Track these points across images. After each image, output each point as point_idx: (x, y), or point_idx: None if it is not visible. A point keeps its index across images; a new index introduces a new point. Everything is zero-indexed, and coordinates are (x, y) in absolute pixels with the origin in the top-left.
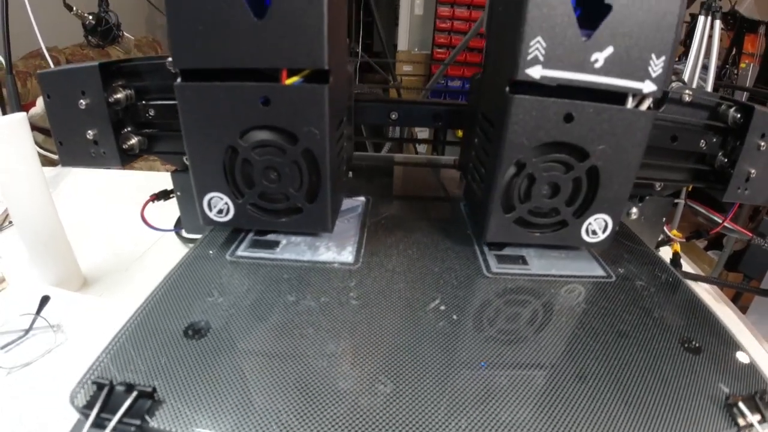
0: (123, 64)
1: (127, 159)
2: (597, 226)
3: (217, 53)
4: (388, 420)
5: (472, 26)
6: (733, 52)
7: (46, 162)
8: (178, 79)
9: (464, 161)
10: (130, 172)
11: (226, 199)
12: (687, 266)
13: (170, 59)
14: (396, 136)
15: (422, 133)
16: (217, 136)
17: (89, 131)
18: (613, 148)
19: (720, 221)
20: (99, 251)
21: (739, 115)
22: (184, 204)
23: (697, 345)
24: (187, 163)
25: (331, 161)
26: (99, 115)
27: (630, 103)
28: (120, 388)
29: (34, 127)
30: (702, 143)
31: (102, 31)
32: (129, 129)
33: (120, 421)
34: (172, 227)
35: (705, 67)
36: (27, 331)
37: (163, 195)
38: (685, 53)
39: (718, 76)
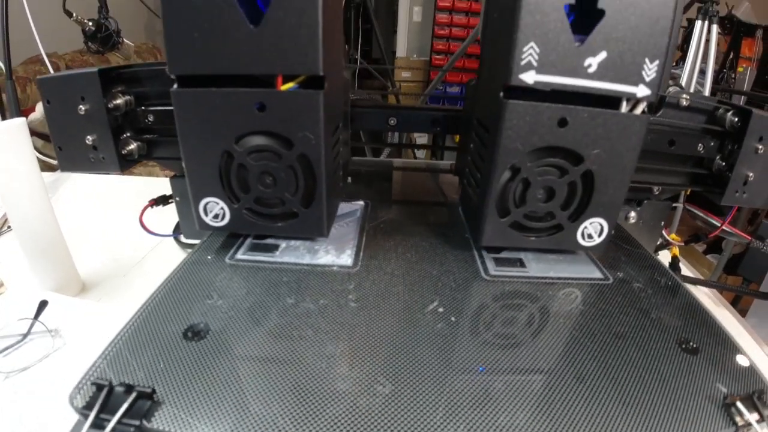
0: (123, 70)
1: (126, 164)
2: (593, 230)
3: (212, 59)
4: (387, 420)
5: (470, 33)
6: (731, 57)
7: (45, 167)
8: (175, 85)
9: (460, 166)
10: (129, 177)
11: (221, 204)
12: (686, 270)
13: None
14: (394, 141)
15: (421, 138)
16: (212, 142)
17: (88, 137)
18: (608, 153)
19: (718, 225)
20: (97, 256)
21: (736, 119)
22: (182, 209)
23: (694, 346)
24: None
25: (326, 166)
26: (98, 120)
27: (624, 108)
28: (119, 389)
29: (34, 133)
30: (700, 147)
31: (102, 37)
32: (128, 134)
33: (119, 422)
34: (170, 232)
35: (702, 72)
36: (25, 336)
37: (162, 200)
38: (683, 58)
39: (716, 81)
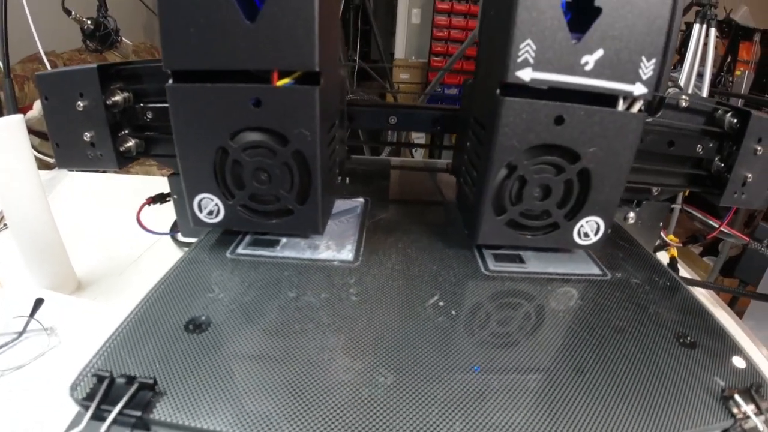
0: (121, 67)
1: (124, 161)
2: (589, 229)
3: (208, 55)
4: (389, 410)
5: (469, 35)
6: (728, 60)
7: (42, 165)
8: (170, 81)
9: (457, 165)
10: (127, 176)
11: (216, 200)
12: (683, 271)
13: None
14: (393, 140)
15: (418, 138)
16: (207, 137)
17: (86, 133)
18: (605, 151)
19: (717, 226)
20: (94, 254)
21: (735, 120)
22: (180, 207)
23: (692, 340)
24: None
25: (321, 163)
26: (96, 117)
27: (621, 106)
28: (120, 380)
29: (31, 131)
30: (699, 148)
31: (100, 36)
32: (126, 131)
33: (120, 413)
34: (167, 231)
35: (700, 75)
36: (20, 334)
37: (159, 198)
38: (681, 61)
39: (713, 84)
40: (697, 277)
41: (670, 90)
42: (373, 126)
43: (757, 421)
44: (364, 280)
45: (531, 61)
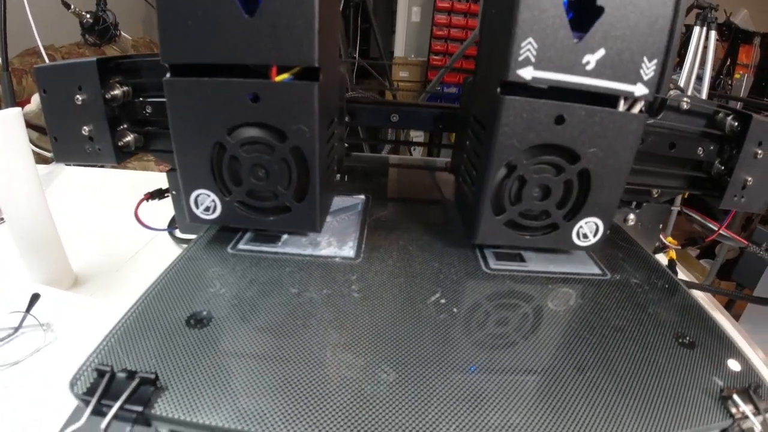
0: (121, 61)
1: (122, 156)
2: (588, 230)
3: (206, 48)
4: (392, 407)
5: (469, 34)
6: (728, 63)
7: (40, 160)
8: (168, 74)
9: (456, 164)
10: (125, 171)
11: (213, 196)
12: (680, 274)
13: None
14: (391, 138)
15: (417, 137)
16: (205, 133)
17: (85, 127)
18: (605, 151)
19: (716, 229)
20: (91, 250)
21: (736, 123)
22: (178, 203)
23: (691, 340)
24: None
25: (320, 160)
26: (95, 111)
27: (622, 106)
28: (121, 375)
29: (29, 125)
30: (699, 151)
31: (99, 30)
32: (125, 126)
33: (121, 408)
34: (165, 227)
35: (699, 78)
36: (16, 330)
37: (158, 194)
38: (680, 63)
39: (712, 87)
40: (694, 280)
41: (671, 92)
42: (374, 123)
43: (755, 421)
44: (365, 276)
45: (532, 59)
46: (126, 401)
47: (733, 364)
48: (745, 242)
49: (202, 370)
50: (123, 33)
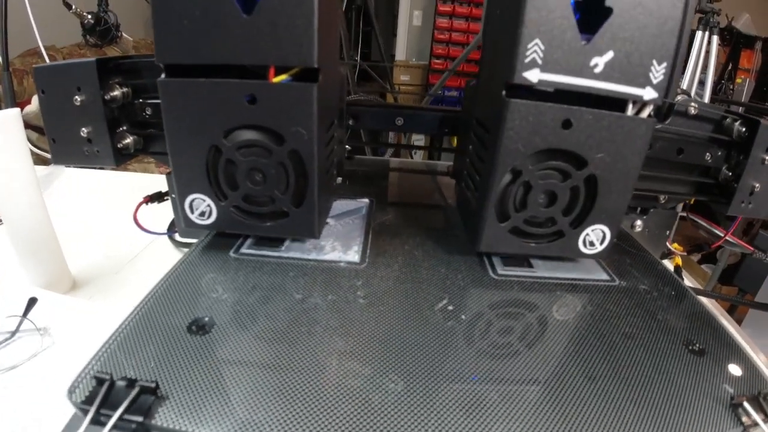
0: (121, 61)
1: (121, 159)
2: (594, 237)
3: (202, 48)
4: (400, 418)
5: (470, 38)
6: (729, 68)
7: (39, 161)
8: (162, 75)
9: (458, 168)
10: (124, 173)
11: (208, 201)
12: (685, 280)
13: None
14: (393, 142)
15: (418, 141)
16: (200, 135)
17: (83, 129)
18: (613, 157)
19: (721, 235)
20: (90, 253)
21: (744, 129)
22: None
23: (700, 347)
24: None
25: (319, 164)
26: (94, 112)
27: (630, 110)
28: (121, 384)
29: (29, 125)
30: (707, 156)
31: (100, 30)
32: (124, 128)
33: (121, 418)
34: (165, 231)
35: (701, 83)
36: (13, 334)
37: (157, 197)
38: (683, 68)
39: (714, 92)
40: (698, 286)
41: (678, 97)
42: (379, 127)
43: (765, 429)
44: (371, 282)
45: (539, 61)
46: (125, 411)
47: (743, 371)
48: (751, 248)
49: (203, 379)
50: (124, 34)
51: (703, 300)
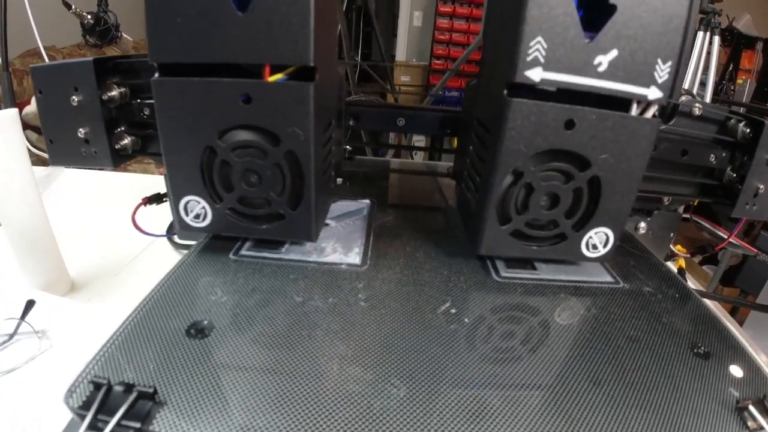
0: (119, 61)
1: (119, 159)
2: (598, 240)
3: (196, 47)
4: (403, 424)
5: (470, 38)
6: (730, 68)
7: (38, 161)
8: (156, 74)
9: (458, 169)
10: (123, 174)
11: (203, 203)
12: (689, 282)
13: None
14: (394, 143)
15: (418, 141)
16: (194, 136)
17: (81, 129)
18: (616, 158)
19: (725, 237)
20: (88, 255)
21: (748, 130)
22: None
23: (705, 350)
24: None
25: (316, 165)
26: (92, 112)
27: (635, 110)
28: (118, 388)
29: (28, 126)
30: (712, 158)
31: (100, 31)
32: (122, 128)
33: (118, 424)
34: (164, 232)
35: (702, 83)
36: (11, 336)
37: (156, 199)
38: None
39: (715, 92)
40: (701, 287)
41: (682, 97)
42: (380, 127)
43: None
44: (372, 284)
45: (541, 60)
46: (123, 417)
47: (748, 374)
48: (755, 251)
49: (203, 384)
50: (124, 34)
51: (707, 302)
